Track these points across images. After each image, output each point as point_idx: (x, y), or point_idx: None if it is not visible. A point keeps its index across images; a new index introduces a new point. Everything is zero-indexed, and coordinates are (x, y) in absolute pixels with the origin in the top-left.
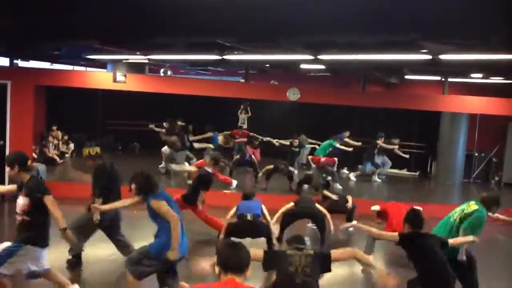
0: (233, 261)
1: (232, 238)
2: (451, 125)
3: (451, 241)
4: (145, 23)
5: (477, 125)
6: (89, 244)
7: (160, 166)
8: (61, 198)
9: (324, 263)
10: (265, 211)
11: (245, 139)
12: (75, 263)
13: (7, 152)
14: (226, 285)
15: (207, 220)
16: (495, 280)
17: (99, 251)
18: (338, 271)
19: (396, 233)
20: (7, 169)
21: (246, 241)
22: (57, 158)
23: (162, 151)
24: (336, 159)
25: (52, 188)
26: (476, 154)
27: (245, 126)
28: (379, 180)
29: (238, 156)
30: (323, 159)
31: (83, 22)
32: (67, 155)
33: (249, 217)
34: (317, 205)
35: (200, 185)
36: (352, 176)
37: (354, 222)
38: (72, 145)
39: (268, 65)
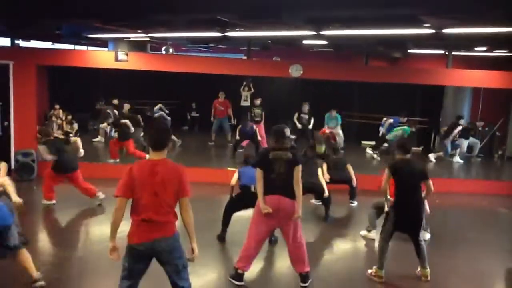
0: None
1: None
2: (455, 100)
3: None
4: (145, 0)
5: (481, 99)
6: (95, 223)
7: None
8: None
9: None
10: None
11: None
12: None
13: (12, 133)
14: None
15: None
16: (498, 252)
17: (106, 230)
18: (342, 246)
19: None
20: None
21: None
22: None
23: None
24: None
25: None
26: (480, 128)
27: (247, 103)
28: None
29: (240, 126)
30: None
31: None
32: (71, 135)
33: (252, 188)
34: (320, 177)
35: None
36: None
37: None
38: (76, 125)
39: (270, 42)
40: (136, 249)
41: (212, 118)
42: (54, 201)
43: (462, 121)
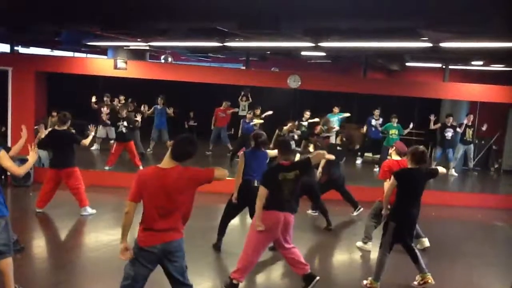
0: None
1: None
2: (451, 112)
3: None
4: (144, 8)
5: (477, 113)
6: (91, 230)
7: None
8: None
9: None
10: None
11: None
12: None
13: (9, 139)
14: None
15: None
16: (494, 265)
17: (102, 237)
18: (338, 256)
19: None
20: None
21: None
22: None
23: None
24: None
25: None
26: (476, 142)
27: (245, 113)
28: (456, 174)
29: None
30: None
31: (83, 5)
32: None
33: (255, 183)
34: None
35: None
36: (453, 171)
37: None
38: (73, 132)
39: (269, 52)
40: (148, 251)
41: (212, 126)
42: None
43: (450, 120)
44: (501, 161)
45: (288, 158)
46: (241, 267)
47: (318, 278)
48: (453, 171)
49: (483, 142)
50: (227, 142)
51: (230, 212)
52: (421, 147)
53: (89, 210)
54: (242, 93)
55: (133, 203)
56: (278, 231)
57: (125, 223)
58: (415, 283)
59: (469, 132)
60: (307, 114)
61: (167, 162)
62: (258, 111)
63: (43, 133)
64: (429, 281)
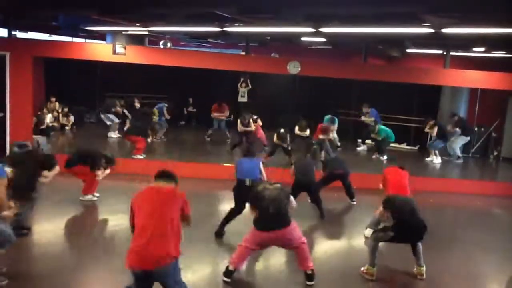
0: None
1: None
2: (451, 100)
3: None
4: None
5: (478, 100)
6: (94, 215)
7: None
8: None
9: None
10: (263, 171)
11: (224, 115)
12: None
13: (7, 124)
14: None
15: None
16: (492, 252)
17: (105, 221)
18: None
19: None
20: None
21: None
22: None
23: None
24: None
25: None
26: (476, 129)
27: (245, 99)
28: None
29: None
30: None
31: None
32: (67, 128)
33: (247, 182)
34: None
35: None
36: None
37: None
38: (72, 118)
39: (269, 38)
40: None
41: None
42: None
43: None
44: (500, 148)
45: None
46: (238, 257)
47: (312, 283)
48: (457, 160)
49: (482, 129)
50: (226, 130)
51: (233, 212)
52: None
53: (92, 197)
54: (242, 79)
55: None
56: (273, 244)
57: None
58: (415, 269)
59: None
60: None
61: (159, 181)
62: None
63: None
64: (419, 276)
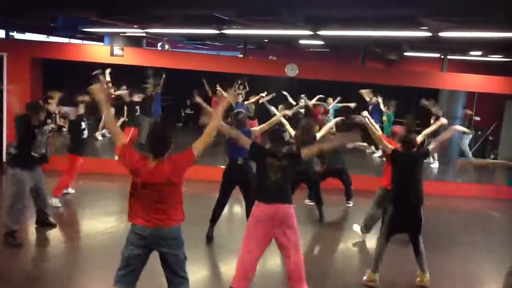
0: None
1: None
2: (449, 103)
3: None
4: None
5: (475, 103)
6: (87, 218)
7: None
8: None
9: (295, 162)
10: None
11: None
12: None
13: (4, 125)
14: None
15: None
16: (490, 255)
17: (98, 224)
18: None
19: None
20: None
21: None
22: (42, 114)
23: None
24: None
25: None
26: (473, 132)
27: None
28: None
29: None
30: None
31: None
32: (64, 129)
33: (239, 161)
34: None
35: None
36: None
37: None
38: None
39: (266, 41)
40: (137, 233)
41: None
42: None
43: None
44: (497, 151)
45: (279, 149)
46: (239, 274)
47: None
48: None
49: (479, 132)
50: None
51: (221, 197)
52: (411, 135)
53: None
54: (239, 81)
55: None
56: (272, 225)
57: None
58: (418, 279)
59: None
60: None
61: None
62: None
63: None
64: (423, 283)
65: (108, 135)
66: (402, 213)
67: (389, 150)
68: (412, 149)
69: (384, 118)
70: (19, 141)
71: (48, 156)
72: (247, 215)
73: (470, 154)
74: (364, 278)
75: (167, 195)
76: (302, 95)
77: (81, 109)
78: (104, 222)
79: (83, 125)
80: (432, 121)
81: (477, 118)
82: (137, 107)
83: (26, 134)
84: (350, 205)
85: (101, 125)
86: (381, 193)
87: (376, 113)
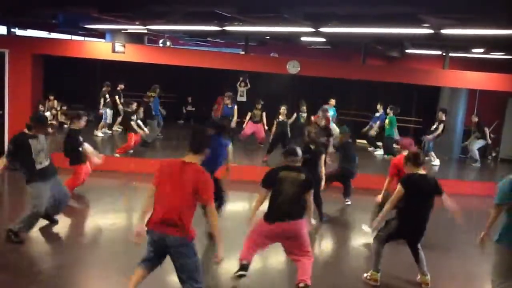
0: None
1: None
2: (450, 101)
3: None
4: None
5: (476, 101)
6: (91, 214)
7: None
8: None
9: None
10: (230, 153)
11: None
12: None
13: (5, 122)
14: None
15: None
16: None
17: (102, 221)
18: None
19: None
20: None
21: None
22: (49, 128)
23: None
24: None
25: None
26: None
27: (244, 98)
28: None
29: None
30: None
31: None
32: (65, 126)
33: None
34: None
35: None
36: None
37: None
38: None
39: (268, 37)
40: (150, 234)
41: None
42: None
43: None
44: (499, 149)
45: (293, 162)
46: (244, 246)
47: None
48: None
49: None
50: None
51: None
52: (415, 150)
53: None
54: (241, 78)
55: (154, 187)
56: (280, 238)
57: (144, 206)
58: (418, 278)
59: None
60: (304, 108)
61: (188, 156)
62: (259, 106)
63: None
64: (424, 285)
65: (108, 132)
66: (406, 227)
67: (400, 189)
68: (418, 167)
69: (387, 121)
70: (20, 161)
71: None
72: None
73: (477, 155)
74: (365, 275)
75: None
76: (303, 107)
77: (83, 122)
78: (107, 219)
79: (80, 138)
80: (435, 125)
81: (487, 130)
82: (133, 116)
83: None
84: (349, 203)
85: (101, 123)
86: (386, 197)
87: (380, 119)
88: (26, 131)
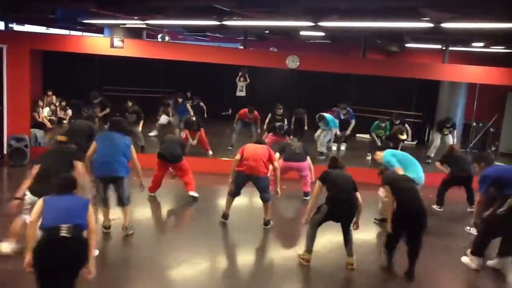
0: None
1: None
2: (450, 95)
3: None
4: None
5: (476, 95)
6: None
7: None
8: None
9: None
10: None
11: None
12: None
13: (4, 117)
14: None
15: None
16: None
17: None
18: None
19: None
20: None
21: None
22: (48, 123)
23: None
24: None
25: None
26: (474, 124)
27: (243, 93)
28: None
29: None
30: None
31: None
32: (65, 121)
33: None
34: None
35: None
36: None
37: None
38: (70, 111)
39: (267, 32)
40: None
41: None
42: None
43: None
44: (498, 143)
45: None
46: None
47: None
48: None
49: (480, 124)
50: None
51: None
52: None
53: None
54: (240, 73)
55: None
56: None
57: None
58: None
59: None
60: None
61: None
62: (280, 111)
63: None
64: (350, 266)
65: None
66: (336, 211)
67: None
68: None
69: (382, 124)
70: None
71: None
72: None
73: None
74: (299, 252)
75: None
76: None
77: None
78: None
79: None
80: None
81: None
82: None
83: None
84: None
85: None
86: None
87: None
88: None
